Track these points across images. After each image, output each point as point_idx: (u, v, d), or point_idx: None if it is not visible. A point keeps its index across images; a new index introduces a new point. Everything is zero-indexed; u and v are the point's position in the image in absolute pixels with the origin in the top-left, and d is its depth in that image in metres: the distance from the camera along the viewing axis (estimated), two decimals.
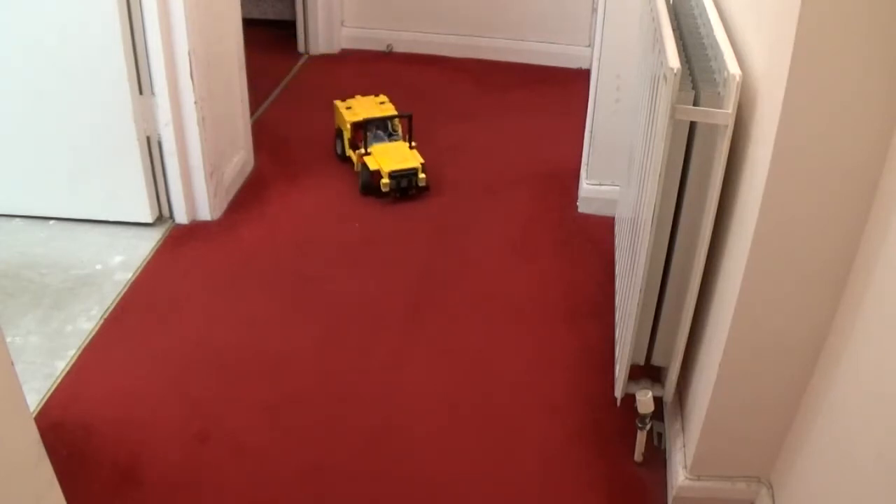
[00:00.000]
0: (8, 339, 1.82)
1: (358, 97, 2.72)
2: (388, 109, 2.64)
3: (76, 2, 1.99)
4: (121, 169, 2.22)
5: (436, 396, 1.79)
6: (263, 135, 2.80)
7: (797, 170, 1.14)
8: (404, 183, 2.42)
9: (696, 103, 1.28)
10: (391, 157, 2.47)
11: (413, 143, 2.55)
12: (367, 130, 2.55)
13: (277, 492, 1.56)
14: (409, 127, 2.58)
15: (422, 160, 2.47)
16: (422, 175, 2.45)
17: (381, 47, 3.63)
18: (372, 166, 2.44)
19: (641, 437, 1.61)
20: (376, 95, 2.74)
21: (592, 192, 2.45)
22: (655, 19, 1.53)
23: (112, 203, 2.29)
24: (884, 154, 1.11)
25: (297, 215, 2.42)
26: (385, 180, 2.40)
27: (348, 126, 2.56)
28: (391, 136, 2.60)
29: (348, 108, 2.64)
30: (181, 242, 2.28)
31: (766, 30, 1.24)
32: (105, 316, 1.98)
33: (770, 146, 1.13)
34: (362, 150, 2.50)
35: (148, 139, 2.22)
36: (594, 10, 3.27)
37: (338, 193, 2.52)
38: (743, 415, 1.39)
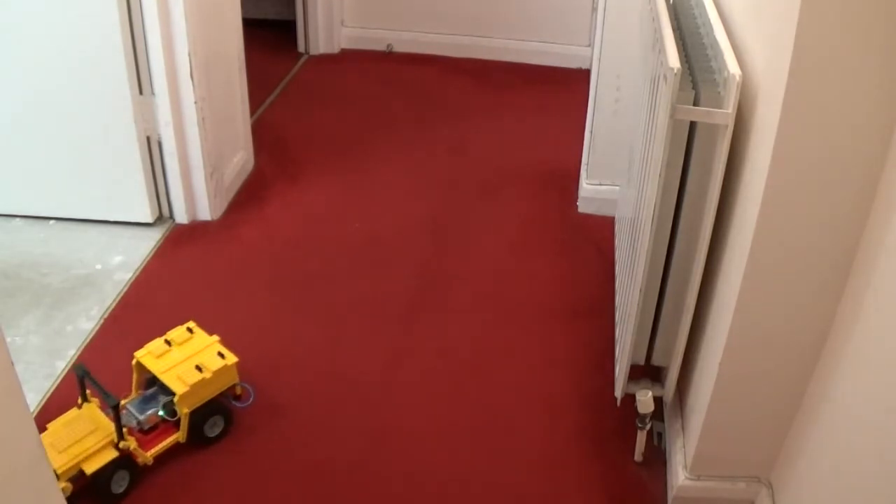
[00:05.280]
0: (8, 339, 1.82)
1: (207, 337, 1.71)
2: (190, 377, 1.60)
3: (76, 3, 1.99)
4: (121, 169, 2.22)
5: (435, 396, 1.79)
6: (263, 135, 2.80)
7: (797, 170, 1.14)
8: None
9: (696, 103, 1.28)
10: (71, 432, 1.53)
11: (123, 444, 1.53)
12: (150, 384, 1.67)
13: (277, 492, 1.56)
14: (117, 419, 1.52)
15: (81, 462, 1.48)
16: (63, 484, 1.44)
17: (381, 47, 3.63)
18: (51, 423, 1.56)
19: (641, 437, 1.60)
20: (222, 357, 1.65)
21: (592, 192, 2.45)
22: (655, 19, 1.53)
23: (112, 203, 2.29)
24: (884, 153, 1.11)
25: (297, 215, 2.42)
26: None
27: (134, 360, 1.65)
28: (168, 420, 1.61)
29: (167, 340, 1.68)
30: (181, 242, 2.28)
31: (766, 30, 1.24)
32: (105, 316, 1.98)
33: (770, 146, 1.13)
34: (80, 400, 1.61)
35: (148, 139, 2.22)
36: (594, 10, 3.27)
37: (338, 193, 2.52)
38: (743, 415, 1.39)
